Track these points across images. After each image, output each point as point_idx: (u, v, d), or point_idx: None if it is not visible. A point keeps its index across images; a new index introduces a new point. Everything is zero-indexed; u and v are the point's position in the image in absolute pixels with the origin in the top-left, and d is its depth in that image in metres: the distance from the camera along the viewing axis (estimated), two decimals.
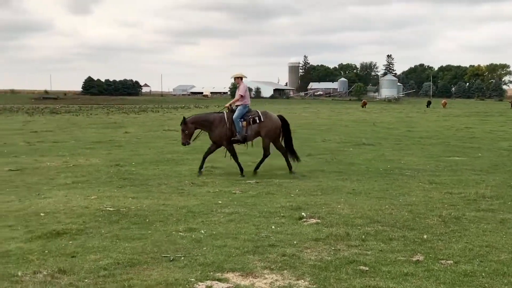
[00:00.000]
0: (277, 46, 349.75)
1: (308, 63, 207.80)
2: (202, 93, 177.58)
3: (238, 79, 14.00)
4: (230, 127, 13.68)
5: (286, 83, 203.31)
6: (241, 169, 13.61)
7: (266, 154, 14.01)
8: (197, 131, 14.06)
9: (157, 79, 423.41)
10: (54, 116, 52.10)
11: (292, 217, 8.68)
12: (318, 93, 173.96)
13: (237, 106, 13.89)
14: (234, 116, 13.71)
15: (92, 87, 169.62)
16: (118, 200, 10.12)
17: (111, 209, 9.29)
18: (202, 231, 7.84)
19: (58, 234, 7.64)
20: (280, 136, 14.05)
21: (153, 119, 46.16)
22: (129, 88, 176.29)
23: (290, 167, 13.88)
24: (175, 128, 31.72)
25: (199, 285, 5.73)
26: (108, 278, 5.90)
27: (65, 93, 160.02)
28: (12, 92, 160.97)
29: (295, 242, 7.29)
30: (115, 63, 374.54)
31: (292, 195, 10.62)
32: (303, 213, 8.81)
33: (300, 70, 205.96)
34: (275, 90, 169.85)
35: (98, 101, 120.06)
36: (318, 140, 23.61)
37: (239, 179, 12.67)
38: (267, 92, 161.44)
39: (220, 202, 9.98)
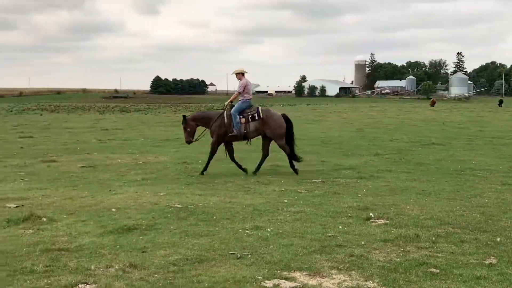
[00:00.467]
0: (343, 44, 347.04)
1: (375, 61, 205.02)
2: (267, 92, 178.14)
3: (240, 74, 13.82)
4: (228, 123, 13.49)
5: (352, 82, 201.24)
6: (205, 168, 13.53)
7: (287, 152, 13.63)
8: (200, 129, 14.01)
9: (223, 78, 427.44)
10: (124, 114, 53.56)
11: (359, 218, 8.57)
12: (385, 91, 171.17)
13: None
14: (232, 110, 13.55)
15: (160, 86, 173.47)
16: (186, 197, 10.29)
17: (179, 205, 9.45)
18: (269, 230, 7.85)
19: (129, 229, 7.83)
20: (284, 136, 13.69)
21: None
22: (196, 87, 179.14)
23: (292, 165, 13.55)
24: None
25: (266, 283, 5.74)
26: (177, 273, 6.00)
27: (134, 92, 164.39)
28: (84, 91, 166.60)
29: (363, 243, 7.19)
30: (182, 63, 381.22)
31: (359, 195, 10.49)
32: (371, 214, 8.68)
33: (367, 68, 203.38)
34: (340, 88, 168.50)
35: (166, 100, 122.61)
36: (385, 139, 23.23)
37: (305, 178, 12.61)
38: (332, 90, 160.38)
39: (286, 201, 9.97)
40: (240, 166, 13.68)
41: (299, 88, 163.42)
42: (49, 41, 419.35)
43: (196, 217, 8.64)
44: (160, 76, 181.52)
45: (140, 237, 7.45)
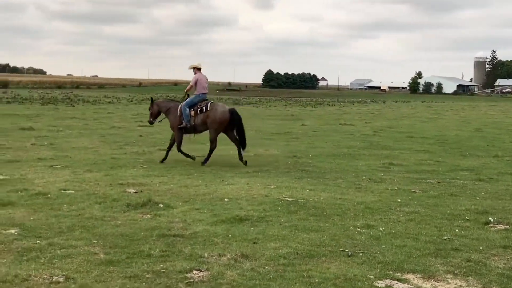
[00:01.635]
0: (461, 40, 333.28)
1: (496, 58, 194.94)
2: (379, 87, 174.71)
3: (195, 69, 14.43)
4: (180, 115, 14.09)
5: (471, 79, 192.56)
6: (188, 156, 14.08)
7: (211, 146, 14.01)
8: (162, 115, 14.94)
9: (334, 73, 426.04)
10: (236, 107, 54.55)
11: (477, 221, 8.17)
12: (507, 90, 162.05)
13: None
14: (182, 104, 14.17)
15: (271, 80, 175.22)
16: (296, 191, 10.30)
17: (289, 199, 9.49)
18: (381, 229, 7.69)
19: (240, 219, 7.96)
20: (228, 129, 13.98)
21: (329, 112, 46.37)
22: (307, 82, 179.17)
23: (241, 158, 13.84)
24: (351, 123, 31.58)
25: (378, 283, 5.62)
26: (287, 267, 6.02)
27: (246, 85, 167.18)
28: None
29: (481, 248, 6.85)
30: (294, 57, 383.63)
31: (478, 198, 10.00)
32: (490, 218, 8.25)
33: (487, 66, 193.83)
34: (458, 86, 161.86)
35: (277, 93, 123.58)
36: (506, 140, 22.02)
37: (419, 178, 12.22)
38: (449, 88, 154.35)
39: (399, 200, 9.72)
40: (185, 154, 14.20)
41: (414, 84, 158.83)
42: (167, 34, 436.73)
43: (307, 212, 8.63)
44: (272, 69, 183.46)
45: (251, 228, 7.55)
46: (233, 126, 13.98)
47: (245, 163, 13.71)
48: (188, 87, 14.71)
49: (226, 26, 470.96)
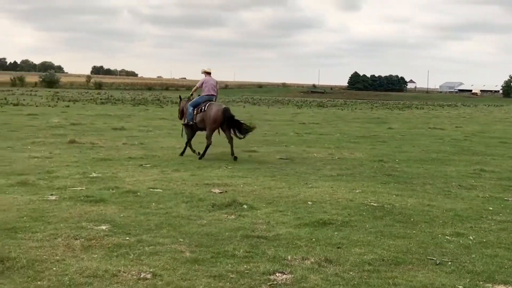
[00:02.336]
0: None
1: None
2: (471, 90, 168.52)
3: (205, 73, 15.58)
4: (185, 113, 15.63)
5: None
6: (193, 151, 15.06)
7: (207, 143, 14.90)
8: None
9: (423, 75, 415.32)
10: (321, 109, 54.34)
11: None
12: None
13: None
14: (189, 103, 15.56)
15: (357, 82, 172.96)
16: (382, 196, 10.11)
17: (375, 204, 9.32)
18: (471, 237, 7.40)
19: (324, 223, 7.89)
20: (220, 126, 14.93)
21: (418, 116, 45.25)
22: (394, 84, 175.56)
23: (232, 153, 14.75)
24: (441, 127, 30.65)
25: None
26: (372, 273, 5.91)
27: (331, 88, 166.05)
28: (284, 85, 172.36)
29: None
30: (381, 59, 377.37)
31: None
32: None
33: None
34: None
35: (363, 96, 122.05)
36: None
37: (511, 185, 11.70)
38: None
39: (490, 208, 9.32)
40: (186, 147, 15.32)
41: (507, 88, 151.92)
42: (254, 37, 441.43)
43: (393, 218, 8.44)
44: (358, 71, 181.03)
45: (335, 233, 7.47)
46: (227, 124, 14.88)
47: (235, 158, 14.57)
48: (194, 88, 16.24)
49: (312, 28, 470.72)
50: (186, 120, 15.47)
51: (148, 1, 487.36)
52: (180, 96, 17.53)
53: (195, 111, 15.16)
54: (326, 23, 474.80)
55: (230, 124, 14.90)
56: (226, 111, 14.84)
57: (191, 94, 16.25)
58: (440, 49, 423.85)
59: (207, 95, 15.33)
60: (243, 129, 15.02)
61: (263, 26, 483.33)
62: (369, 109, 56.27)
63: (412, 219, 8.36)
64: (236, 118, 15.05)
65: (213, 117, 14.74)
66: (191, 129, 15.44)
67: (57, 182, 10.45)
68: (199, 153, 14.86)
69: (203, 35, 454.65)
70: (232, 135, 15.04)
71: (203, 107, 15.01)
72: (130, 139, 18.80)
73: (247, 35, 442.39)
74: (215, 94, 15.50)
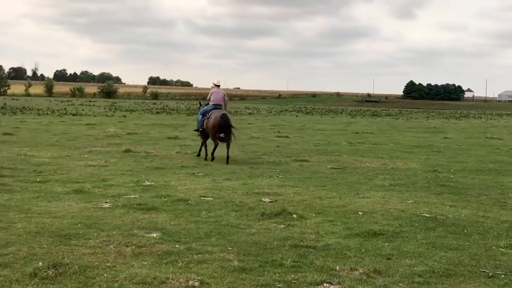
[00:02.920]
0: None
1: None
2: None
3: (215, 85, 17.41)
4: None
5: None
6: (206, 154, 16.50)
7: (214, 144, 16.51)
8: None
9: (481, 84, 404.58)
10: (375, 118, 53.73)
11: None
12: None
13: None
14: (199, 112, 17.60)
15: (413, 91, 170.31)
16: (435, 207, 9.90)
17: (427, 215, 9.14)
18: None
19: (374, 234, 7.79)
20: (217, 131, 16.01)
21: (475, 125, 44.17)
22: (451, 93, 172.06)
23: (212, 153, 16.34)
24: (498, 136, 29.82)
25: None
26: (422, 285, 5.79)
27: (386, 97, 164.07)
28: (338, 94, 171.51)
29: None
30: (437, 67, 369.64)
31: None
32: None
33: None
34: None
35: (418, 105, 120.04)
36: None
37: None
38: None
39: None
40: (201, 150, 16.94)
41: None
42: (307, 46, 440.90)
43: (445, 229, 8.26)
44: (413, 80, 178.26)
45: (386, 244, 7.37)
46: (222, 129, 15.99)
47: (212, 159, 16.10)
48: (208, 98, 17.57)
49: (367, 37, 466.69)
50: (197, 127, 17.43)
51: (203, 12, 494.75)
52: (200, 102, 19.79)
53: (203, 119, 16.67)
54: (381, 31, 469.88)
55: (224, 128, 15.98)
56: (223, 116, 16.06)
57: (200, 104, 18.41)
58: (499, 57, 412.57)
59: (214, 104, 16.85)
60: (231, 134, 16.24)
61: (316, 35, 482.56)
62: (424, 119, 55.27)
63: (465, 231, 8.16)
64: (231, 124, 16.20)
65: (212, 123, 16.11)
66: (203, 134, 16.79)
67: (111, 190, 10.71)
68: (213, 158, 16.21)
69: (256, 45, 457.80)
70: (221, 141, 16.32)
71: (208, 116, 16.49)
72: (183, 148, 19.08)
73: (300, 44, 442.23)
74: (221, 103, 16.93)
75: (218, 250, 6.86)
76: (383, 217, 8.96)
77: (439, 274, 6.16)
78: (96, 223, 8.04)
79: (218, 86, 17.37)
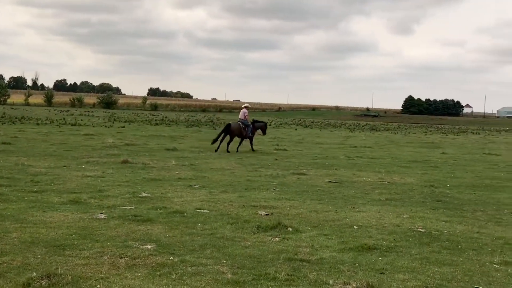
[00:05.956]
0: None
1: None
2: None
3: (244, 107, 25.87)
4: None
5: None
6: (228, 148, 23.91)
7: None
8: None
9: (479, 100, 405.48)
10: (374, 133, 53.79)
11: None
12: None
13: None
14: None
15: (412, 106, 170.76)
16: (431, 222, 9.92)
17: (422, 230, 9.15)
18: None
19: (369, 248, 7.81)
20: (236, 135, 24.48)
21: (473, 141, 44.23)
22: (450, 108, 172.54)
23: (216, 147, 23.81)
24: (496, 152, 29.87)
25: None
26: None
27: (385, 111, 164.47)
28: (337, 108, 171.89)
29: None
30: (436, 83, 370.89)
31: None
32: None
33: None
34: None
35: (417, 120, 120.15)
36: None
37: None
38: None
39: None
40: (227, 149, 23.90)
41: None
42: (307, 60, 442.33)
43: (440, 244, 8.27)
44: (412, 95, 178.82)
45: (380, 258, 7.38)
46: (228, 133, 24.19)
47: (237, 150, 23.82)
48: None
49: (366, 51, 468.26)
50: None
51: (203, 25, 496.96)
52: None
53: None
54: (379, 46, 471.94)
55: (227, 133, 24.19)
56: (227, 125, 24.66)
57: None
58: (497, 73, 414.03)
59: (239, 119, 25.19)
60: (217, 137, 24.31)
61: (316, 49, 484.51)
62: (423, 134, 55.34)
63: (459, 246, 8.18)
64: (230, 129, 24.23)
65: (224, 129, 24.49)
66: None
67: (107, 201, 10.72)
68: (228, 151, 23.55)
69: (257, 58, 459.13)
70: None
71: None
72: (181, 160, 19.10)
73: (300, 58, 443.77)
74: (242, 119, 24.99)
75: (212, 263, 6.87)
76: (378, 231, 8.98)
77: None
78: (91, 234, 8.05)
79: (245, 107, 25.76)
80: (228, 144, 23.89)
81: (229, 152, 23.16)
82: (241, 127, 24.67)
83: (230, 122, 25.02)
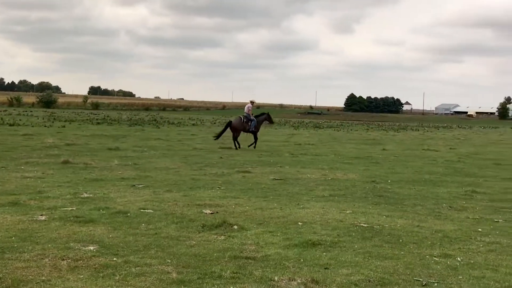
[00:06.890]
0: None
1: None
2: (466, 112, 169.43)
3: (250, 102, 26.81)
4: None
5: None
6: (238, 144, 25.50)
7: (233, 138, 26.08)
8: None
9: (418, 97, 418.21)
10: (317, 130, 54.44)
11: None
12: None
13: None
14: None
15: (354, 103, 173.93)
16: (372, 217, 10.13)
17: (365, 225, 9.33)
18: (459, 259, 7.42)
19: (313, 244, 7.90)
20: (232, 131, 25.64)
21: (413, 137, 45.39)
22: (390, 106, 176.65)
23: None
24: (435, 148, 30.75)
25: None
26: None
27: (328, 109, 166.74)
28: (281, 106, 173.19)
29: None
30: (377, 81, 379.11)
31: None
32: None
33: None
34: None
35: (359, 117, 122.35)
36: None
37: (503, 207, 11.74)
38: None
39: (480, 230, 9.34)
40: (237, 144, 25.45)
41: (503, 110, 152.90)
42: (251, 58, 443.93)
43: (382, 239, 8.46)
44: (354, 93, 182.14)
45: (324, 253, 7.49)
46: (231, 130, 25.61)
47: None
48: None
49: (308, 50, 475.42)
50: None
51: (145, 22, 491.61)
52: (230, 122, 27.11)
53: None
54: (321, 45, 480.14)
55: (228, 128, 25.77)
56: (228, 122, 26.01)
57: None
58: (436, 71, 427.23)
59: (245, 113, 26.35)
60: (220, 134, 26.37)
61: (259, 47, 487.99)
62: (364, 131, 56.41)
63: (400, 240, 8.38)
64: (232, 126, 25.53)
65: (227, 125, 26.05)
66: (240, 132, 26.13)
67: (48, 202, 10.45)
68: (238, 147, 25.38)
69: (200, 56, 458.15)
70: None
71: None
72: (124, 160, 18.81)
73: (243, 56, 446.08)
74: (246, 113, 26.18)
75: (156, 263, 6.80)
76: (322, 227, 9.10)
77: (375, 283, 6.31)
78: (31, 236, 7.83)
79: (251, 102, 26.88)
80: (235, 140, 25.44)
81: (240, 148, 25.25)
82: (242, 121, 25.56)
83: (231, 119, 26.50)
